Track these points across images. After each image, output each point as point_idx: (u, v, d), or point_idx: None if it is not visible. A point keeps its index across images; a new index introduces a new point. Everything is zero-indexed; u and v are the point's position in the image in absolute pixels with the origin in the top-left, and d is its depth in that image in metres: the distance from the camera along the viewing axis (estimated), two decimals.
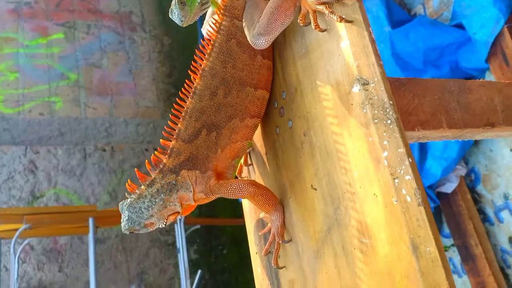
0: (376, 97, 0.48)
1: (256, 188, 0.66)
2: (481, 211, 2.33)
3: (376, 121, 0.47)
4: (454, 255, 2.39)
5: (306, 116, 0.60)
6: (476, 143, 2.29)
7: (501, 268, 2.21)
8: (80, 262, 3.04)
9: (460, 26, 2.20)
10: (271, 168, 0.70)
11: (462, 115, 0.69)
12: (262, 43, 0.65)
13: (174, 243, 3.28)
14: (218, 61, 0.71)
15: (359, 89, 0.49)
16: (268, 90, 0.74)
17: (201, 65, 0.71)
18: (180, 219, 2.83)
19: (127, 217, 0.69)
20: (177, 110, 0.70)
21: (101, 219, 2.68)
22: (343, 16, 0.54)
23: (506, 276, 2.19)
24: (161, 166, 0.70)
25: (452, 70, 2.28)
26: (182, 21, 0.74)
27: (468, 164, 2.37)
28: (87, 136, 3.55)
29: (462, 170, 2.31)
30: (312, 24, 0.59)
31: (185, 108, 0.70)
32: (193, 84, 0.71)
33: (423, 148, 2.38)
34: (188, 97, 0.70)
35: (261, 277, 0.71)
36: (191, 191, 0.69)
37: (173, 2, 0.75)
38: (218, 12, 0.72)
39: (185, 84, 0.69)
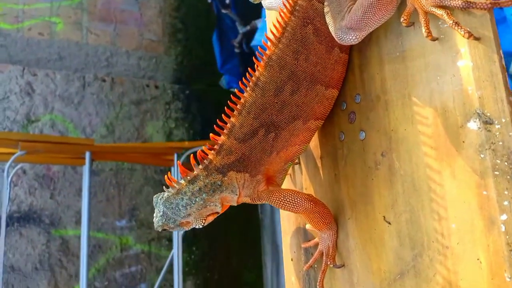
0: (501, 143, 0.39)
1: (313, 205, 0.58)
2: None
3: (497, 173, 0.39)
4: None
5: (388, 134, 0.51)
6: None
7: None
8: (72, 191, 3.01)
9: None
10: (327, 176, 0.61)
11: None
12: (351, 39, 0.54)
13: None
14: (290, 50, 0.60)
15: (478, 127, 0.40)
16: (339, 88, 0.63)
17: (267, 52, 0.59)
18: (176, 164, 2.79)
19: (161, 213, 0.62)
20: (233, 102, 0.60)
21: (98, 154, 2.62)
22: (471, 32, 0.43)
23: None
24: (206, 162, 0.62)
25: None
26: None
27: None
28: (87, 64, 3.40)
29: None
30: (422, 29, 0.47)
31: (243, 102, 0.60)
32: (256, 74, 0.60)
33: None
34: (248, 88, 0.60)
35: (295, 287, 0.65)
36: (237, 194, 0.62)
37: None
38: None
39: (246, 74, 0.59)
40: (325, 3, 0.60)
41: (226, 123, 0.62)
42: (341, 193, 0.60)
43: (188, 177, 0.62)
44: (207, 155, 0.62)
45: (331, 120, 0.64)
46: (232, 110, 0.61)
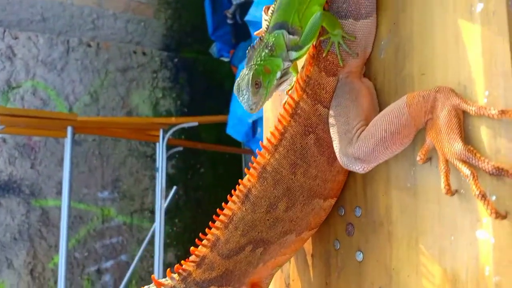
0: None
1: None
2: None
3: None
4: None
5: (389, 271, 0.47)
6: None
7: None
8: (53, 161, 2.95)
9: None
10: (317, 279, 0.57)
11: None
12: (357, 169, 0.49)
13: (152, 156, 3.22)
14: (287, 162, 0.54)
15: None
16: (338, 195, 0.58)
17: (261, 161, 0.54)
18: (162, 140, 2.73)
19: None
20: (221, 209, 0.55)
21: (81, 129, 2.56)
22: (499, 211, 0.37)
23: None
24: (185, 274, 0.57)
25: None
26: (252, 108, 0.53)
27: None
28: (71, 26, 3.24)
29: None
30: (441, 179, 0.41)
31: (231, 215, 0.55)
32: (247, 184, 0.55)
33: None
34: (237, 200, 0.55)
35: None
36: None
37: (241, 79, 0.54)
38: (297, 87, 0.53)
39: (237, 187, 0.53)
40: (331, 111, 0.54)
41: (210, 235, 0.57)
42: None
43: (165, 283, 0.57)
44: (187, 268, 0.58)
45: (327, 221, 0.59)
46: (219, 220, 0.57)
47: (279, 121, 0.55)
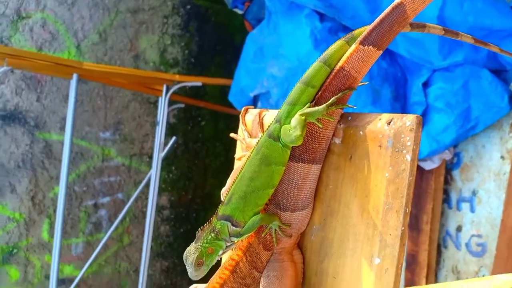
0: None
1: None
2: (446, 192, 2.44)
3: None
4: None
5: None
6: (474, 134, 2.26)
7: (438, 244, 2.45)
8: (59, 97, 3.03)
9: None
10: None
11: None
12: None
13: (155, 103, 3.29)
14: None
15: None
16: None
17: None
18: (165, 95, 2.79)
19: None
20: None
21: (86, 76, 2.61)
22: None
23: (439, 252, 2.45)
24: None
25: (489, 58, 2.09)
26: (193, 278, 0.65)
27: (456, 148, 2.38)
28: None
29: (448, 155, 2.33)
30: None
31: None
32: None
33: (423, 119, 2.32)
34: None
35: None
36: None
37: (189, 253, 0.64)
38: (239, 250, 0.65)
39: None
40: (261, 280, 0.65)
41: None
42: None
43: None
44: None
45: None
46: None
47: (221, 273, 0.67)
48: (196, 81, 2.71)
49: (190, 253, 0.64)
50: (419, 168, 2.41)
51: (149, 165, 3.26)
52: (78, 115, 3.05)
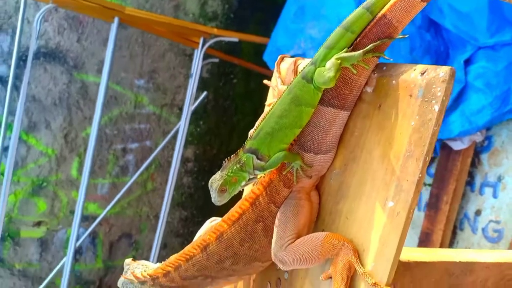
0: None
1: None
2: (471, 175, 2.41)
3: None
4: (425, 193, 2.58)
5: None
6: (510, 118, 2.20)
7: (454, 226, 2.44)
8: (98, 39, 3.08)
9: None
10: None
11: None
12: (280, 266, 0.66)
13: (191, 55, 3.31)
14: (238, 236, 0.71)
15: None
16: None
17: (221, 229, 0.73)
18: (201, 48, 2.80)
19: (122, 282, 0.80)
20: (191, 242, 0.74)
21: (126, 21, 2.65)
22: None
23: (454, 234, 2.44)
24: (155, 277, 0.77)
25: None
26: (216, 203, 0.70)
27: (489, 131, 2.33)
28: None
29: (479, 137, 2.28)
30: None
31: (192, 255, 0.73)
32: (207, 240, 0.73)
33: (459, 96, 2.26)
34: (198, 248, 0.73)
35: None
36: None
37: (214, 180, 0.69)
38: (260, 185, 0.69)
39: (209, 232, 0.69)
40: (278, 213, 0.69)
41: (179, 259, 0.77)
42: None
43: (141, 278, 0.78)
44: (157, 274, 0.77)
45: (269, 268, 0.78)
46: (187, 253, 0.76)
47: (241, 204, 0.72)
48: (233, 36, 2.71)
49: (215, 180, 0.69)
50: (447, 147, 2.38)
51: (178, 117, 3.31)
52: (116, 59, 3.10)
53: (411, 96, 0.57)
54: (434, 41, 2.13)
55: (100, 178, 3.26)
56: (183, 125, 2.80)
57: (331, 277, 0.61)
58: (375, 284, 0.54)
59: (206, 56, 2.87)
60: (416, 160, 0.55)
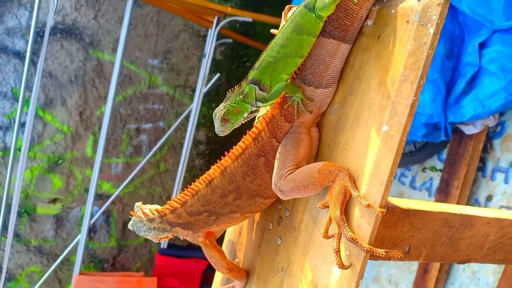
0: None
1: (228, 272, 0.80)
2: (482, 160, 2.38)
3: None
4: (435, 179, 2.56)
5: (289, 260, 0.68)
6: None
7: None
8: (114, 18, 3.11)
9: None
10: (254, 242, 0.80)
11: (445, 250, 0.73)
12: (280, 195, 0.68)
13: (204, 37, 3.32)
14: (241, 171, 0.72)
15: None
16: (277, 197, 0.76)
17: (224, 163, 0.74)
18: (215, 27, 2.81)
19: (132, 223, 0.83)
20: (200, 177, 0.75)
21: None
22: (344, 263, 0.57)
23: None
24: (163, 214, 0.79)
25: None
26: (219, 133, 0.72)
27: (502, 116, 2.29)
28: None
29: (491, 122, 2.25)
30: (323, 226, 0.61)
31: (197, 190, 0.75)
32: (212, 175, 0.74)
33: (473, 80, 2.23)
34: (203, 182, 0.74)
35: None
36: (181, 237, 0.81)
37: (218, 110, 0.70)
38: (262, 121, 0.70)
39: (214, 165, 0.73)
40: (279, 147, 0.70)
41: (185, 195, 0.78)
42: (256, 261, 0.80)
43: (149, 215, 0.80)
44: (165, 211, 0.79)
45: (271, 207, 0.79)
46: (193, 188, 0.77)
47: (244, 139, 0.73)
48: (247, 16, 2.71)
49: (219, 110, 0.70)
50: (459, 132, 2.35)
51: (191, 99, 3.33)
52: (131, 38, 3.13)
53: (408, 22, 0.57)
54: (450, 24, 2.10)
55: (114, 157, 3.29)
56: (195, 107, 2.81)
57: (328, 206, 0.62)
58: (368, 205, 0.55)
59: (220, 37, 2.88)
60: (411, 83, 0.55)
